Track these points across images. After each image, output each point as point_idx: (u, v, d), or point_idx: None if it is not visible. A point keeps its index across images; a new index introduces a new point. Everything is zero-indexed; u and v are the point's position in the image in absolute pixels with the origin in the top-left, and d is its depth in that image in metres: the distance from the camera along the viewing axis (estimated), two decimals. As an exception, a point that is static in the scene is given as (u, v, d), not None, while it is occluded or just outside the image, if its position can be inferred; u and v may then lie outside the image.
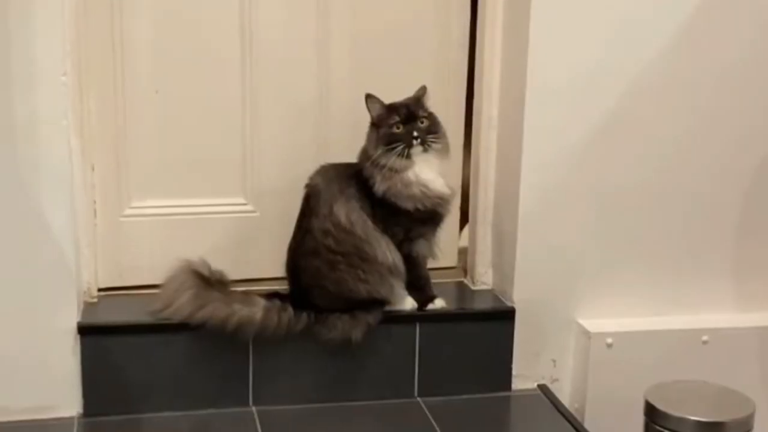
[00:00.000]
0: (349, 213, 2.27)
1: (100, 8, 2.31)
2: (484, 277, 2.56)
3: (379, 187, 2.28)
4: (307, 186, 2.32)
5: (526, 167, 2.37)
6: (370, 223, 2.28)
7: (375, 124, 2.30)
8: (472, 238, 2.58)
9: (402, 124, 2.28)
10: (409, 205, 2.29)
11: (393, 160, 2.26)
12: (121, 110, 2.38)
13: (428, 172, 2.29)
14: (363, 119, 2.37)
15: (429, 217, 2.32)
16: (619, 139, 2.41)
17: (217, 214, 2.47)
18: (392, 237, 2.31)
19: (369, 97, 2.30)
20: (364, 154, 2.31)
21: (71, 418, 2.26)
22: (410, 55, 2.50)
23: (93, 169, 2.38)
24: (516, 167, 2.39)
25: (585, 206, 2.42)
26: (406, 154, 2.26)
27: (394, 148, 2.26)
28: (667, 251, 2.49)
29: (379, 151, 2.27)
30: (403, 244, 2.32)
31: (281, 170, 2.47)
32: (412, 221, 2.31)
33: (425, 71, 2.51)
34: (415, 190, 2.28)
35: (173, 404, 2.29)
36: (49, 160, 2.16)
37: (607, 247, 2.46)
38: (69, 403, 2.26)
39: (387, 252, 2.29)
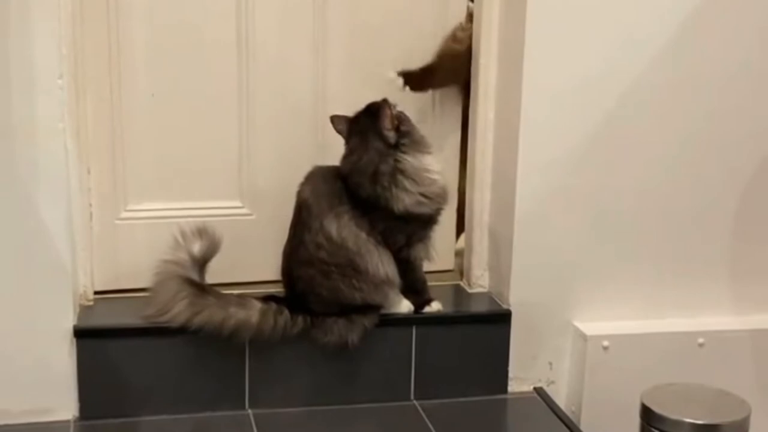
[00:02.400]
0: (340, 229, 2.25)
1: (96, 12, 2.32)
2: (480, 280, 2.56)
3: (403, 201, 2.26)
4: (298, 195, 2.31)
5: (522, 170, 2.37)
6: (363, 235, 2.26)
7: (398, 130, 2.27)
8: (469, 240, 2.58)
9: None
10: (430, 209, 2.29)
11: (427, 160, 2.29)
12: (117, 113, 2.38)
13: (436, 164, 2.32)
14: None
15: (434, 216, 2.32)
16: (615, 142, 2.41)
17: (213, 217, 2.46)
18: (392, 245, 2.30)
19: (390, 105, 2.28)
20: (373, 177, 2.26)
21: (67, 422, 2.26)
22: (407, 56, 2.50)
23: (89, 172, 2.38)
24: (513, 170, 2.39)
25: (581, 209, 2.43)
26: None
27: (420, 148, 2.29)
28: (664, 254, 2.49)
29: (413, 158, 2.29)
30: (403, 249, 2.31)
31: (278, 173, 2.47)
32: (418, 226, 2.30)
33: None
34: (436, 188, 2.29)
35: (169, 407, 2.29)
36: (46, 163, 2.16)
37: (604, 250, 2.46)
38: (65, 406, 2.26)
39: (379, 264, 2.28)
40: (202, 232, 2.31)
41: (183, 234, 2.29)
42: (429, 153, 2.31)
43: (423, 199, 2.28)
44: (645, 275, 2.49)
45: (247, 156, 2.47)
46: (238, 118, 2.45)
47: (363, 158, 2.27)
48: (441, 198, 2.32)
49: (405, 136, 2.28)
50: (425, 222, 2.31)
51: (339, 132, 2.32)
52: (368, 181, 2.26)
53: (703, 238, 2.51)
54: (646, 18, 2.35)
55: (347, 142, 2.31)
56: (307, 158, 2.41)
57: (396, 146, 2.27)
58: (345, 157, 2.31)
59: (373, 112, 2.28)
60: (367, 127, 2.28)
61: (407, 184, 2.26)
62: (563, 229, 2.43)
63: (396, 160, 2.26)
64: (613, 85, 2.37)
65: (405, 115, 2.31)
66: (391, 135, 2.26)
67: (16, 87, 2.12)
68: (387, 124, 2.26)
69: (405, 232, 2.30)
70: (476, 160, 2.52)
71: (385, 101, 2.27)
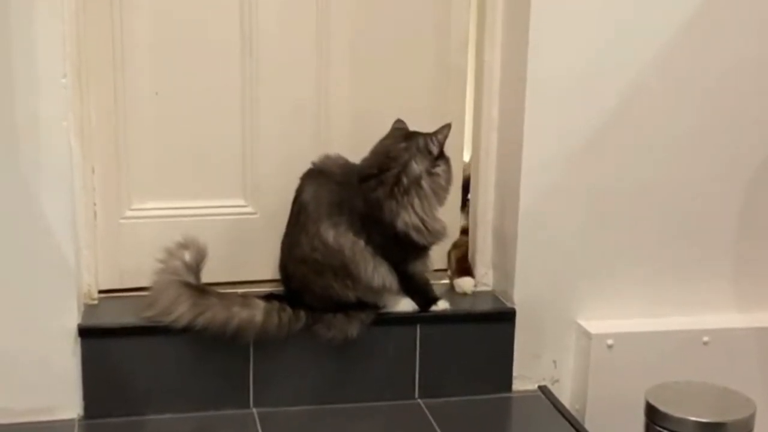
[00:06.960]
0: (337, 236, 2.25)
1: (100, 10, 2.31)
2: (484, 278, 2.56)
3: (406, 218, 2.26)
4: (298, 193, 2.31)
5: (526, 168, 2.37)
6: (362, 243, 2.26)
7: (443, 156, 2.29)
8: (473, 238, 2.58)
9: None
10: (426, 241, 2.30)
11: (436, 206, 2.31)
12: (121, 112, 2.38)
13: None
14: (362, 120, 2.37)
15: (428, 247, 2.34)
16: (619, 139, 2.40)
17: (216, 216, 2.47)
18: (390, 259, 2.30)
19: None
20: (401, 172, 2.27)
21: (71, 420, 2.26)
22: (410, 54, 2.50)
23: (93, 171, 2.37)
24: (516, 168, 2.39)
25: (586, 207, 2.42)
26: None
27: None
28: (668, 252, 2.49)
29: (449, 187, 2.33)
30: (400, 265, 2.32)
31: (281, 172, 2.46)
32: (413, 250, 2.31)
33: (425, 69, 2.51)
34: (439, 226, 2.31)
35: (174, 406, 2.29)
36: (50, 162, 2.16)
37: (608, 248, 2.45)
38: (69, 405, 2.26)
39: (375, 275, 2.28)
40: (187, 242, 2.31)
41: (169, 250, 2.29)
42: (440, 205, 2.32)
43: (422, 227, 2.28)
44: (649, 273, 2.49)
45: (251, 155, 2.47)
46: (242, 116, 2.44)
47: (403, 144, 2.29)
48: (439, 235, 2.32)
49: (441, 164, 2.29)
50: (420, 249, 2.32)
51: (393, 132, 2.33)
52: (393, 174, 2.26)
53: (708, 236, 2.51)
54: (649, 15, 2.35)
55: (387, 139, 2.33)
56: (311, 157, 2.40)
57: (433, 160, 2.28)
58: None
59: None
60: (420, 134, 2.30)
61: (416, 203, 2.27)
62: (567, 228, 2.43)
63: (427, 171, 2.27)
64: (617, 82, 2.37)
65: (450, 162, 2.33)
66: (435, 147, 2.28)
67: (20, 86, 2.12)
68: (441, 137, 2.28)
69: (403, 250, 2.30)
70: (480, 159, 2.52)
71: (450, 126, 2.30)
